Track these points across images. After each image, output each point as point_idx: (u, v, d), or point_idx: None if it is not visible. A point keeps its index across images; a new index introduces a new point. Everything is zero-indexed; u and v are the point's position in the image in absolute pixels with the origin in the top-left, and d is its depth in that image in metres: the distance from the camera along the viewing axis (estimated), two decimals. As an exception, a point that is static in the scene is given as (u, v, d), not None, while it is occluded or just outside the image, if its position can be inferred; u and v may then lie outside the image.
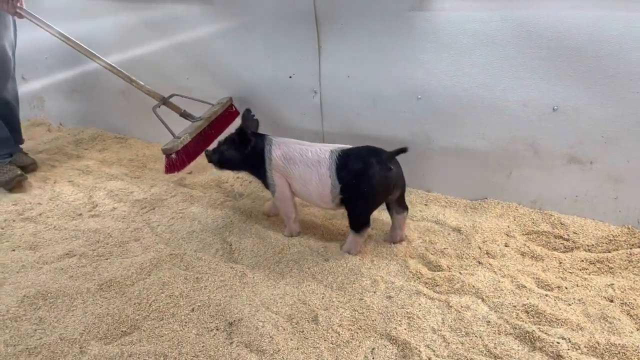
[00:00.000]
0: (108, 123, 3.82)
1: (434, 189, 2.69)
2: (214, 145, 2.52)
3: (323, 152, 2.18)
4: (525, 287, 1.94)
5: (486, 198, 2.55)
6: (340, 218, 2.51)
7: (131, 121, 3.62)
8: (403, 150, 2.05)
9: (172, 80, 3.19)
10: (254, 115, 2.43)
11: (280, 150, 2.26)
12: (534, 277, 2.01)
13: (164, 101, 2.75)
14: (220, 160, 2.37)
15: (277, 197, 2.33)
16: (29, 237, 2.47)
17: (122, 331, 1.83)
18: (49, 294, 2.02)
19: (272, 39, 2.78)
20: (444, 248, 2.22)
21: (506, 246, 2.22)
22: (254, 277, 2.09)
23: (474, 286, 1.95)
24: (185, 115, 2.74)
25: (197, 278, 2.08)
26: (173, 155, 2.48)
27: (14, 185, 2.96)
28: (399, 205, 2.22)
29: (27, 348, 1.75)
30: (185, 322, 1.85)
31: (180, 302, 1.95)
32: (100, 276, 2.13)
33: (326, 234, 2.41)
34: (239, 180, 2.98)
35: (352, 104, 2.69)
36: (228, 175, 3.02)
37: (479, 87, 2.35)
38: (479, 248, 2.21)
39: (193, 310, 1.91)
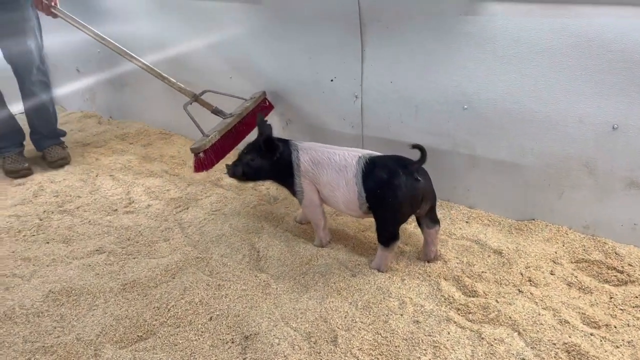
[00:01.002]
0: (154, 118, 3.86)
1: (478, 206, 2.52)
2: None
3: (351, 157, 2.08)
4: (568, 322, 1.76)
5: (533, 219, 2.36)
6: (373, 230, 2.38)
7: (176, 117, 3.61)
8: (421, 149, 1.91)
9: (214, 79, 3.16)
10: (266, 121, 2.35)
11: (308, 155, 2.17)
12: (579, 312, 1.82)
13: (196, 98, 2.73)
14: (247, 172, 2.27)
15: (305, 204, 2.25)
16: (64, 231, 2.50)
17: (137, 336, 1.80)
18: (73, 291, 2.03)
19: (315, 41, 2.69)
20: (482, 271, 2.07)
21: (551, 274, 2.03)
22: (277, 288, 2.02)
23: (510, 317, 1.79)
24: (216, 112, 2.71)
25: (219, 285, 2.03)
26: (201, 154, 2.46)
27: (20, 176, 3.14)
28: (429, 219, 2.08)
29: (43, 346, 1.75)
30: (202, 332, 1.80)
31: (199, 309, 1.91)
32: (125, 276, 2.12)
33: (357, 247, 2.30)
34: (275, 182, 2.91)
35: (394, 111, 2.56)
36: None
37: (530, 100, 2.17)
38: (521, 274, 2.03)
39: (211, 319, 1.86)
